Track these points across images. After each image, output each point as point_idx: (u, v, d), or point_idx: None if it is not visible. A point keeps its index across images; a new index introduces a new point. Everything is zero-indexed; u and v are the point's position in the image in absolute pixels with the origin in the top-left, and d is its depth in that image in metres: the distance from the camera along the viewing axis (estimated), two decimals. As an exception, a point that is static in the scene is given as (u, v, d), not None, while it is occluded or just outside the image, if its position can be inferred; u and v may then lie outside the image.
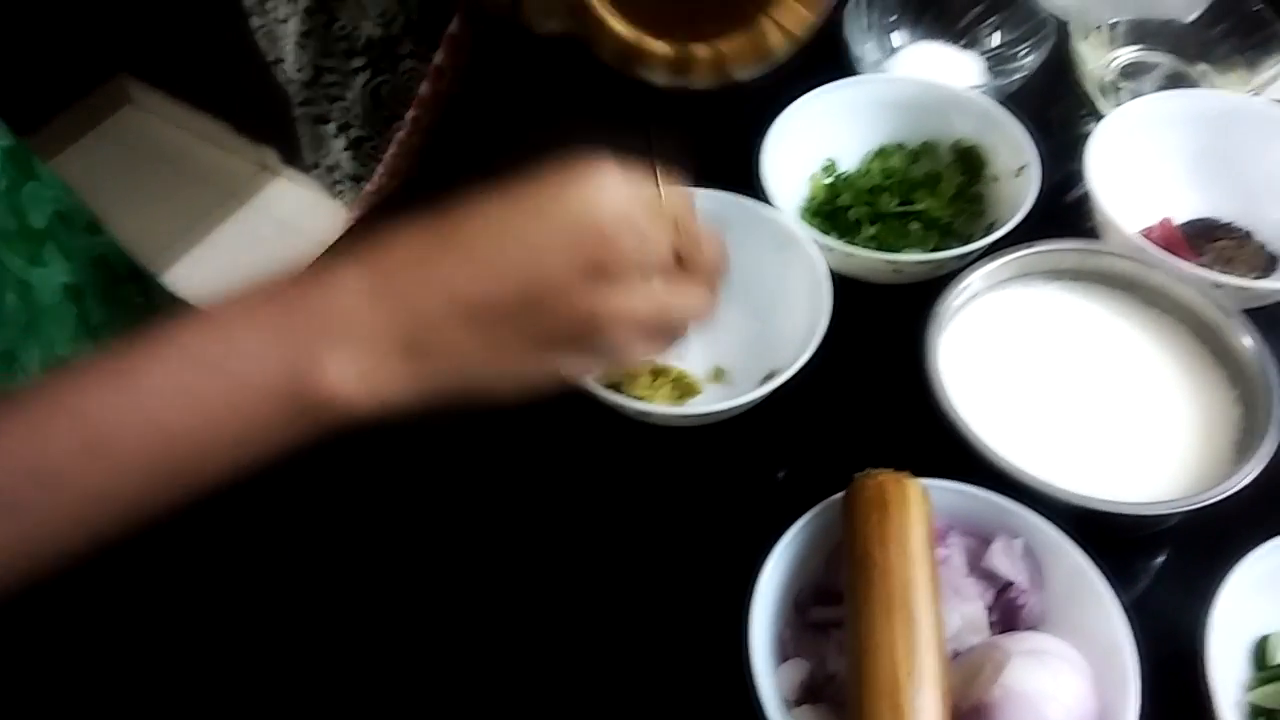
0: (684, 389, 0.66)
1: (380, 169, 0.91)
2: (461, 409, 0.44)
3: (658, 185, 0.48)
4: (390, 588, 0.60)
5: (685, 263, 0.48)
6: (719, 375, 0.67)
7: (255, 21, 0.96)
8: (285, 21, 0.91)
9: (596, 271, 0.43)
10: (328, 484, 0.63)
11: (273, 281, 0.44)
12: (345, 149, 0.96)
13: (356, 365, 0.42)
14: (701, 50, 0.65)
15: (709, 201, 0.68)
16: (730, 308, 0.68)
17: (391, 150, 0.88)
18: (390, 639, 0.58)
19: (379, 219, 0.80)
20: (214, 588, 0.60)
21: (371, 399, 0.42)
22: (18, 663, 0.57)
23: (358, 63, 0.90)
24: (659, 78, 0.67)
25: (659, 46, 0.66)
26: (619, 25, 0.66)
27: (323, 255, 0.77)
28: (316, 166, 1.03)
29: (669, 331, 0.48)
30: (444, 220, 0.44)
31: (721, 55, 0.65)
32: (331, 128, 0.96)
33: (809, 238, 0.65)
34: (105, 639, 0.59)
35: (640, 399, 0.63)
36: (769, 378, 0.61)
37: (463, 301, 0.43)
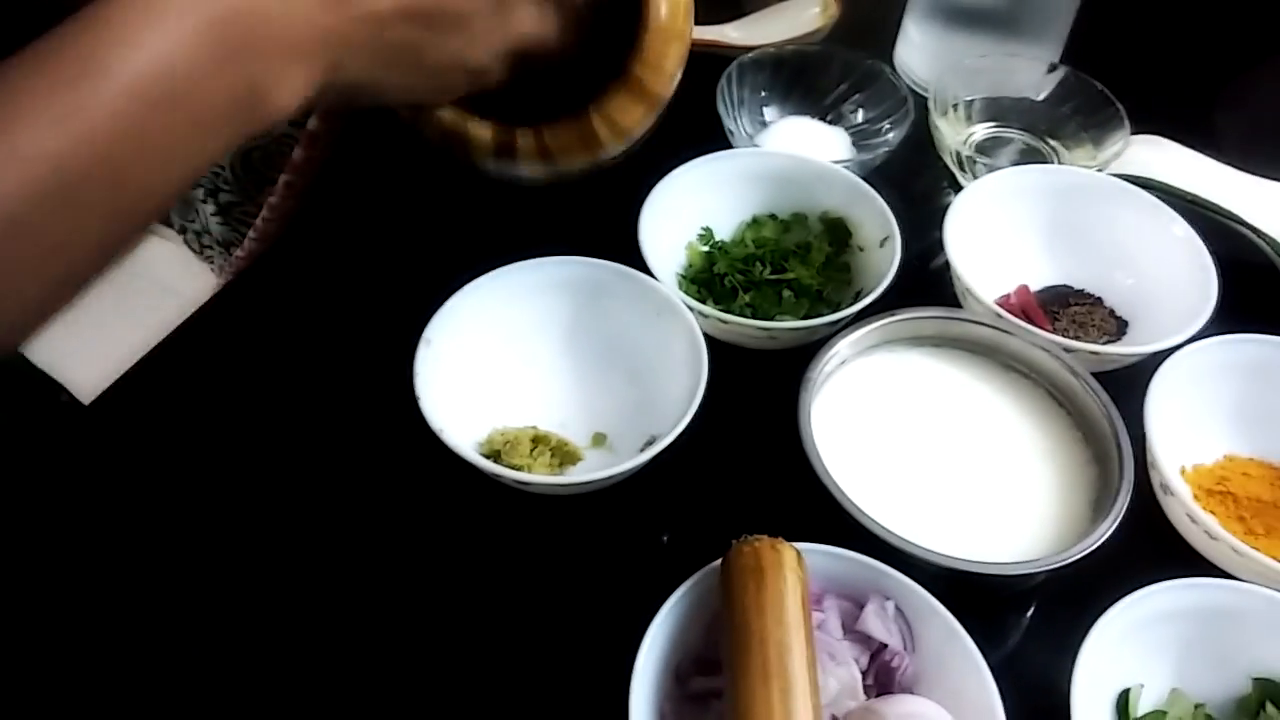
0: (564, 456, 0.66)
1: (251, 234, 0.88)
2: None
3: None
4: (261, 664, 0.57)
5: None
6: (599, 441, 0.67)
7: None
8: None
9: None
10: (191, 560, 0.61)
11: None
12: (214, 214, 0.93)
13: (304, 76, 0.46)
14: (525, 136, 0.67)
15: (588, 269, 0.68)
16: (610, 374, 0.69)
17: (263, 214, 0.86)
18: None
19: (251, 284, 0.79)
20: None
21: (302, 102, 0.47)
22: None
23: None
24: (485, 163, 0.68)
25: (482, 129, 0.67)
26: (444, 108, 0.66)
27: (195, 320, 0.75)
28: (184, 231, 1.00)
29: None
30: None
31: (545, 144, 0.67)
32: (199, 193, 0.94)
33: (686, 305, 0.66)
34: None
35: (519, 468, 0.63)
36: (649, 443, 0.61)
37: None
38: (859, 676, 0.53)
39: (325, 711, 0.56)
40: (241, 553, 0.62)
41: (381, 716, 0.56)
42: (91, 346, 0.85)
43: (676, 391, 0.63)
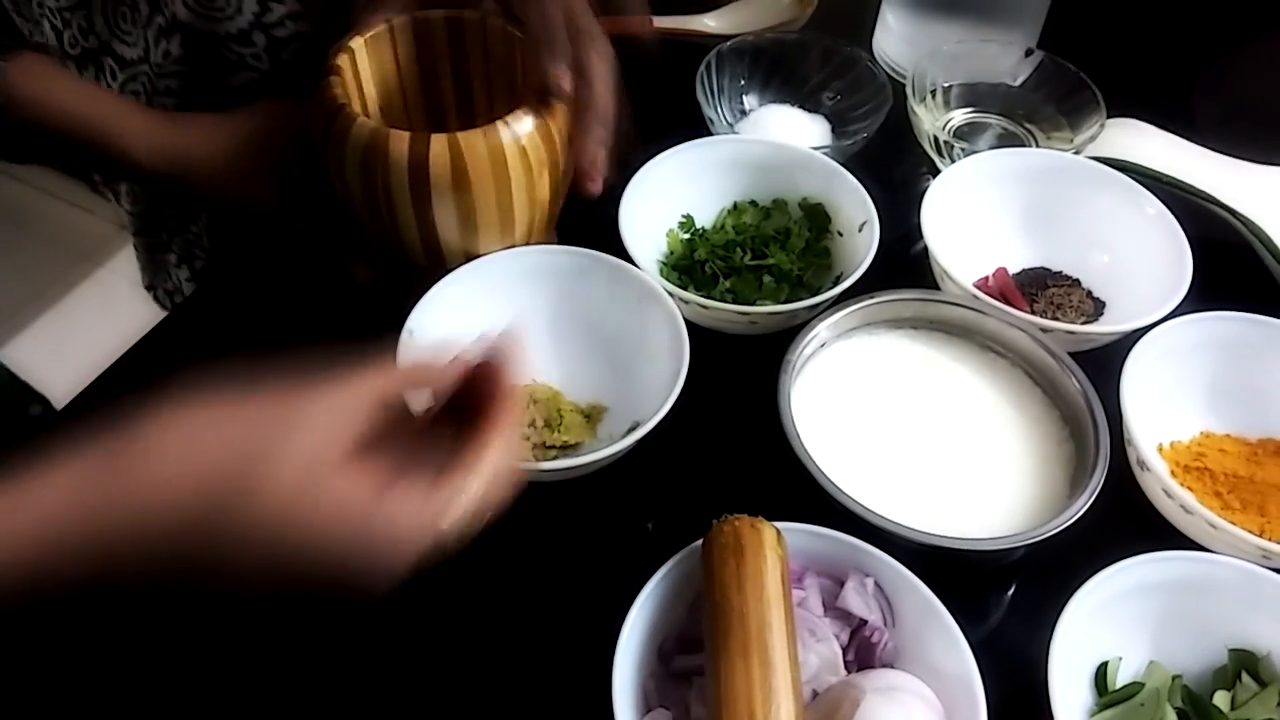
0: (563, 422, 0.66)
1: None
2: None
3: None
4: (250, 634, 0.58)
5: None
6: (592, 416, 0.68)
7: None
8: None
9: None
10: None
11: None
12: (189, 279, 0.91)
13: None
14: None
15: (569, 258, 0.69)
16: (593, 361, 0.69)
17: None
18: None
19: (231, 278, 0.79)
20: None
21: None
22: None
23: None
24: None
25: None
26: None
27: (174, 316, 0.74)
28: (153, 289, 0.97)
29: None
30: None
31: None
32: (172, 258, 0.92)
33: (667, 292, 0.67)
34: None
35: (502, 455, 0.63)
36: (632, 429, 0.61)
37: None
38: (839, 652, 0.53)
39: (314, 683, 0.56)
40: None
41: (370, 693, 0.56)
42: (69, 346, 0.84)
43: (659, 377, 0.64)
